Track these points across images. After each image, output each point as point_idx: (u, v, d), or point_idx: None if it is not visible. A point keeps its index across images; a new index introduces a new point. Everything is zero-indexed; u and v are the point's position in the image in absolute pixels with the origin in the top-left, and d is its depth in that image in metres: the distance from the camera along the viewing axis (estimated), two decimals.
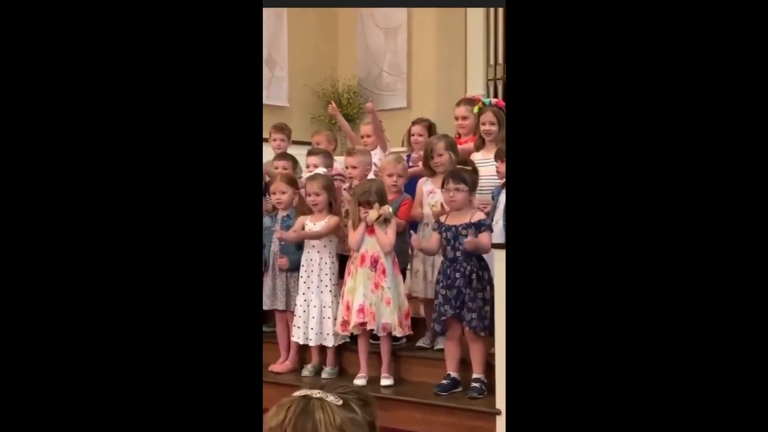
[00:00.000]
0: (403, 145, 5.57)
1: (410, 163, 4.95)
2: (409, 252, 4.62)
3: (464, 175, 4.12)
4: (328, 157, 5.01)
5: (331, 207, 4.57)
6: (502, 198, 4.25)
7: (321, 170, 4.68)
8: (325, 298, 4.49)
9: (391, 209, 4.30)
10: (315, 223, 4.53)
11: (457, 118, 5.05)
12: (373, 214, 4.22)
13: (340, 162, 5.20)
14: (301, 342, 4.57)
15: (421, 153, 4.64)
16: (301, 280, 4.56)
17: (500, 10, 7.23)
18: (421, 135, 5.09)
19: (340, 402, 1.30)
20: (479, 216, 4.10)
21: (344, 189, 4.84)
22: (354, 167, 4.73)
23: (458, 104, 5.13)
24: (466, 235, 4.00)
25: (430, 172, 4.52)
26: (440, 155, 4.44)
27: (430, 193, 4.50)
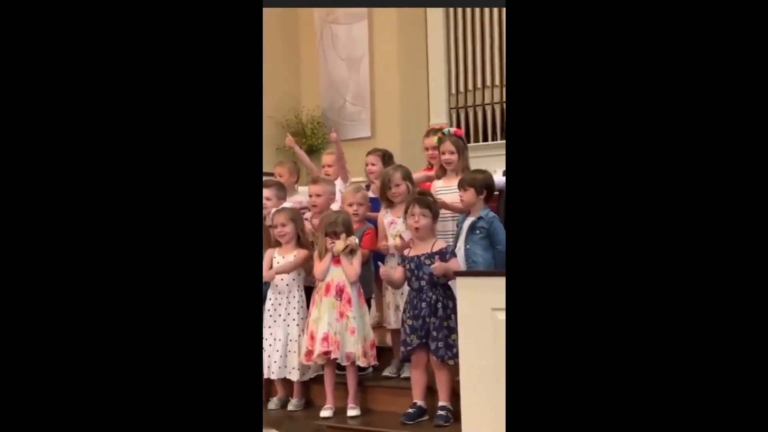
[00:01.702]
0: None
1: (370, 193, 4.97)
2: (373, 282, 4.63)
3: (427, 202, 4.16)
4: (280, 189, 4.98)
5: (299, 238, 4.57)
6: (466, 225, 4.28)
7: (288, 204, 4.68)
8: (291, 332, 4.46)
9: (357, 240, 4.31)
10: (284, 256, 4.52)
11: (427, 149, 5.08)
12: (339, 244, 4.24)
13: (303, 193, 5.20)
14: (264, 375, 4.53)
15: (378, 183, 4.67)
16: (267, 313, 4.52)
17: (461, 37, 7.33)
18: (374, 164, 5.12)
19: None
20: (440, 245, 4.13)
21: (306, 219, 4.84)
22: (318, 195, 4.74)
23: (427, 135, 5.18)
24: (429, 265, 4.02)
25: (388, 203, 4.54)
26: (397, 185, 4.47)
27: (391, 224, 4.52)
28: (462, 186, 4.30)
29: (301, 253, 4.51)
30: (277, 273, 4.44)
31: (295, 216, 4.58)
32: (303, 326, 4.43)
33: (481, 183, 4.25)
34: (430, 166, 5.09)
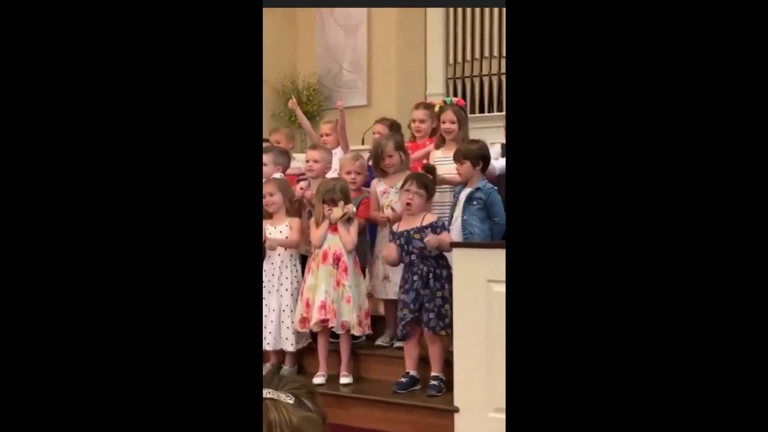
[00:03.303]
0: (363, 143, 5.56)
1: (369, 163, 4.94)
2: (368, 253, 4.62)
3: (426, 181, 4.14)
4: (281, 155, 4.93)
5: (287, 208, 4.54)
6: (463, 196, 4.28)
7: (278, 175, 4.64)
8: (284, 302, 4.44)
9: (354, 208, 4.30)
10: (275, 227, 4.49)
11: (414, 121, 4.99)
12: (337, 212, 4.22)
13: (299, 160, 5.17)
14: None
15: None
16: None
17: (460, 10, 7.27)
18: (380, 133, 5.09)
19: (292, 399, 1.25)
20: (430, 218, 4.11)
21: (300, 187, 4.80)
22: (315, 161, 4.70)
23: (417, 107, 5.08)
24: (419, 239, 4.01)
25: (381, 173, 4.52)
26: (390, 156, 4.43)
27: (384, 194, 4.50)
28: (457, 159, 4.27)
29: (294, 222, 4.48)
30: (281, 246, 4.40)
31: (284, 186, 4.54)
32: (296, 296, 4.42)
33: (476, 154, 4.23)
34: (413, 139, 5.03)
